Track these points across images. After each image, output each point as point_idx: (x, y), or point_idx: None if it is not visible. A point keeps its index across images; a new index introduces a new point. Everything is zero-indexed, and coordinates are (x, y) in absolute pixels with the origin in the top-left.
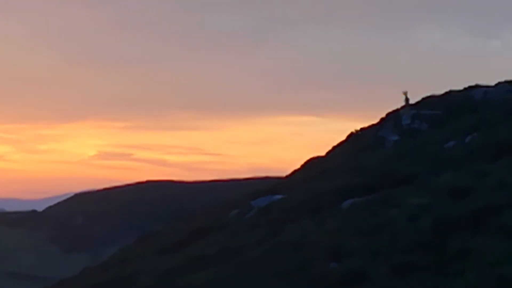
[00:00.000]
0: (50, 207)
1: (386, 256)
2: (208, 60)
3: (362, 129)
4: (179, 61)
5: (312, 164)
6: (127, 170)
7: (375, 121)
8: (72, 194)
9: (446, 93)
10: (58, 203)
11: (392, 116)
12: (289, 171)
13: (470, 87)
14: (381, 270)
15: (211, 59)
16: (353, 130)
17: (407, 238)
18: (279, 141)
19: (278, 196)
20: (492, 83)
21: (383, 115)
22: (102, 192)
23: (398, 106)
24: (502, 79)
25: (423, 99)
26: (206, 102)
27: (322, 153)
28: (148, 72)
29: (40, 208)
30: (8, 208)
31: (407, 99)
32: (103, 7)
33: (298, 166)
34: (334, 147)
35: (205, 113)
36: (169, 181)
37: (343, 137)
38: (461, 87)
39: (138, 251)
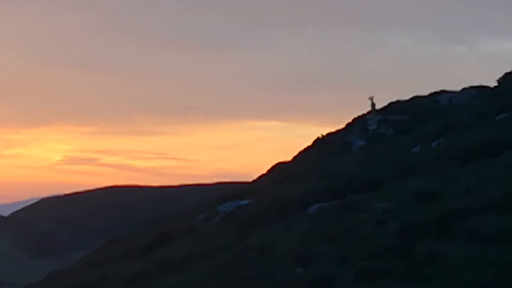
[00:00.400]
0: (16, 212)
1: (353, 261)
2: (174, 65)
3: (328, 134)
4: (145, 66)
5: (278, 169)
6: (93, 175)
7: (341, 126)
8: (38, 199)
9: (412, 98)
10: (24, 208)
11: (359, 121)
12: (255, 176)
13: (436, 93)
14: (348, 275)
15: (177, 64)
16: (319, 135)
17: (374, 243)
18: (246, 146)
19: (245, 201)
20: (458, 88)
21: (350, 120)
22: (68, 197)
23: (365, 111)
24: (468, 85)
25: (389, 104)
26: (172, 107)
27: (289, 158)
28: (115, 77)
29: (6, 213)
30: None
31: (373, 104)
32: (69, 12)
33: (264, 171)
34: (300, 152)
35: (172, 118)
36: (136, 186)
37: (310, 142)
38: (427, 93)
39: (105, 256)
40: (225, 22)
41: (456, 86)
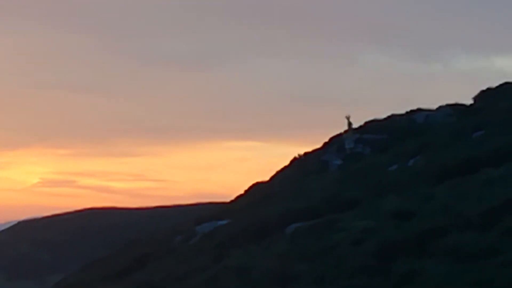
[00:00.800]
0: None
1: (331, 280)
2: (150, 86)
3: (305, 153)
4: (121, 88)
5: (256, 189)
6: (71, 197)
7: (318, 145)
8: (15, 222)
9: (389, 117)
10: (2, 231)
11: (336, 141)
12: (233, 196)
13: (412, 111)
14: None
15: (153, 85)
16: (296, 154)
17: (352, 262)
18: (223, 166)
19: (223, 222)
20: (434, 106)
21: (327, 139)
22: (46, 219)
23: (342, 130)
24: (444, 103)
25: (366, 123)
26: (149, 128)
27: (266, 178)
28: (91, 99)
29: None
30: None
31: (350, 123)
32: (42, 34)
33: (242, 191)
34: (278, 172)
35: (149, 140)
36: (113, 208)
37: (287, 162)
38: (403, 111)
39: (83, 279)
40: (202, 43)
41: (432, 104)
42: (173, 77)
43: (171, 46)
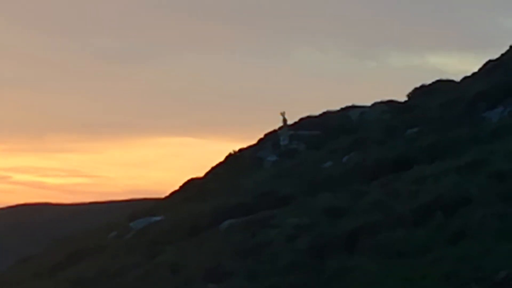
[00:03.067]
0: None
1: (264, 277)
2: (84, 82)
3: (240, 150)
4: (55, 82)
5: (190, 185)
6: (4, 193)
7: (253, 142)
8: None
9: (323, 113)
10: None
11: (270, 137)
12: (167, 192)
13: (346, 108)
14: None
15: (87, 81)
16: (231, 151)
17: (285, 258)
18: (157, 162)
19: (157, 218)
20: (369, 103)
21: (261, 136)
22: None
23: (276, 127)
24: (378, 100)
25: (301, 119)
26: (83, 124)
27: (201, 174)
28: (24, 95)
29: None
30: None
31: (284, 120)
32: None
33: (176, 187)
34: (212, 168)
35: (83, 136)
36: (47, 204)
37: (222, 158)
38: (338, 108)
39: (14, 276)
40: (134, 38)
41: (367, 101)
42: (107, 73)
43: (104, 42)
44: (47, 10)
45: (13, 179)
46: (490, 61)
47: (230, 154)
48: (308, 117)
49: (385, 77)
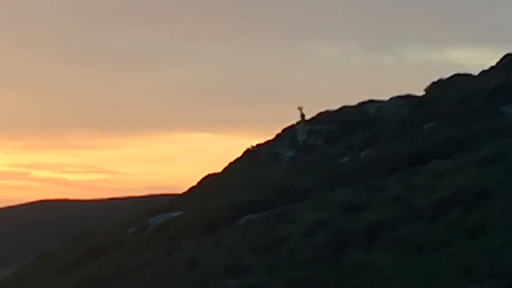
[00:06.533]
0: None
1: (283, 272)
2: (103, 78)
3: (258, 145)
4: (74, 79)
5: (208, 181)
6: (23, 189)
7: (271, 137)
8: None
9: (341, 108)
10: None
11: (288, 132)
12: (186, 188)
13: (364, 103)
14: (278, 286)
15: (107, 77)
16: (249, 146)
17: (303, 253)
18: (176, 158)
19: (175, 214)
20: (386, 98)
21: (279, 131)
22: None
23: (294, 122)
24: (396, 94)
25: (318, 114)
26: (103, 121)
27: (219, 169)
28: (44, 91)
29: None
30: None
31: (302, 115)
32: None
33: (194, 183)
34: (230, 164)
35: (102, 132)
36: (66, 200)
37: (240, 154)
38: (355, 103)
39: (34, 271)
40: (152, 36)
41: (385, 96)
42: (127, 69)
43: (121, 38)
44: (66, 6)
45: (32, 176)
46: (508, 54)
47: (247, 150)
48: (326, 112)
49: (404, 72)
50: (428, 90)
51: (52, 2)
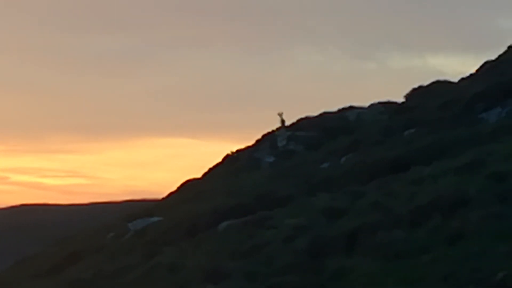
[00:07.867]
0: None
1: (263, 278)
2: (84, 82)
3: (238, 150)
4: (54, 84)
5: (188, 186)
6: (2, 193)
7: (251, 142)
8: None
9: (321, 114)
10: None
11: (268, 138)
12: (165, 193)
13: (344, 109)
14: None
15: (87, 81)
16: (229, 151)
17: (283, 259)
18: (156, 163)
19: (155, 218)
20: (367, 104)
21: (259, 136)
22: None
23: (274, 127)
24: (377, 101)
25: (299, 120)
26: (83, 125)
27: (199, 175)
28: (24, 95)
29: None
30: None
31: (282, 121)
32: None
33: (174, 188)
34: (210, 169)
35: (82, 137)
36: (46, 205)
37: (219, 159)
38: (336, 109)
39: (13, 277)
40: (133, 41)
41: (365, 102)
42: (108, 74)
43: (104, 42)
44: (47, 10)
45: (12, 180)
46: (487, 62)
47: (227, 155)
48: (306, 118)
49: (385, 78)
50: (408, 96)
51: (33, 7)
